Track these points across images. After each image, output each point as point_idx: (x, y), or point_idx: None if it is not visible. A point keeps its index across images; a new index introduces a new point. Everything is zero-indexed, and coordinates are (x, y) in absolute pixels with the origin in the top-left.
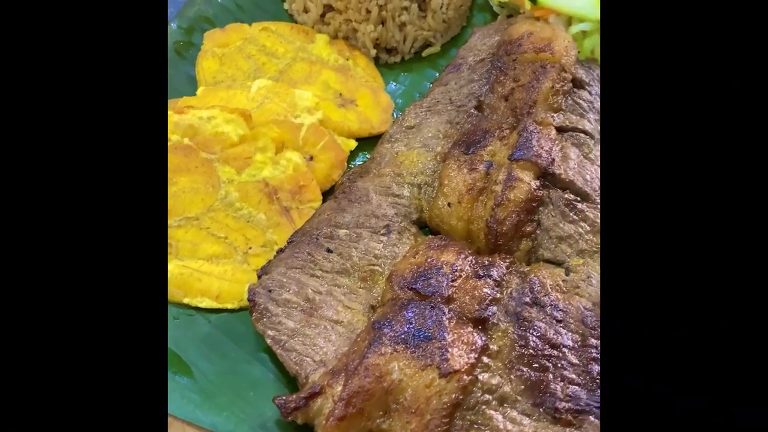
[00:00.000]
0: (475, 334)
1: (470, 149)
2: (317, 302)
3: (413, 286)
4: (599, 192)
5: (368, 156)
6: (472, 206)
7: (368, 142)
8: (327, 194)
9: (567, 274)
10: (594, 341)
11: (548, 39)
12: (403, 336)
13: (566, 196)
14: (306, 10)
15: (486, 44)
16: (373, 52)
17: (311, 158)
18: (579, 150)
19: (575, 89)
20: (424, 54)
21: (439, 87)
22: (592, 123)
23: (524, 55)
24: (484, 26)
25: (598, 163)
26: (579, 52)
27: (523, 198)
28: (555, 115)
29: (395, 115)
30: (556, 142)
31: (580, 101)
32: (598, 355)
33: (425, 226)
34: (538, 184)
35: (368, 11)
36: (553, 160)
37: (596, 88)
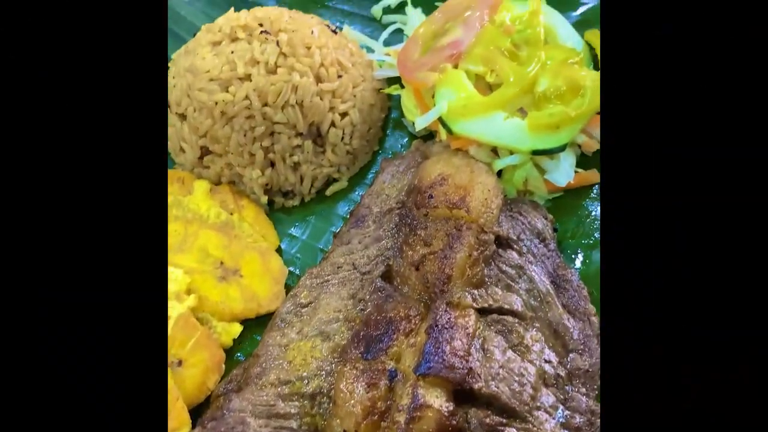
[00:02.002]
0: None
1: (369, 350)
2: None
3: None
4: (530, 403)
5: (258, 340)
6: None
7: (257, 322)
8: (201, 407)
9: None
10: None
11: (463, 190)
12: None
13: (488, 420)
14: (182, 150)
15: (396, 188)
16: (264, 198)
17: (180, 363)
18: (506, 340)
19: (500, 251)
20: (328, 192)
21: (341, 247)
22: (523, 295)
23: (436, 210)
24: (394, 159)
25: (530, 356)
26: (506, 195)
27: (432, 431)
28: (475, 292)
29: (291, 283)
30: (477, 333)
31: (507, 268)
32: None
33: None
34: (451, 407)
35: (252, 154)
36: (470, 369)
37: (528, 242)
